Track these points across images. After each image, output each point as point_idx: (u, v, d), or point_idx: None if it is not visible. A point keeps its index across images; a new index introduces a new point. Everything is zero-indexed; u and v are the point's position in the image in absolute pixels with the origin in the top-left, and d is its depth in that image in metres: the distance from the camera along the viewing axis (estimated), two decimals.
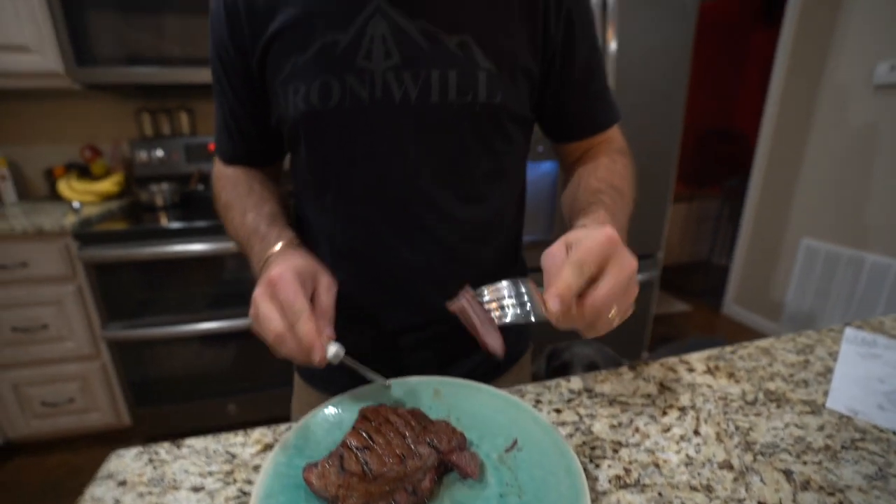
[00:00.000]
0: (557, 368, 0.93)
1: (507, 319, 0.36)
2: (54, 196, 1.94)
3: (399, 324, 0.55)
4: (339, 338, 0.39)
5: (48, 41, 1.56)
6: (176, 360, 1.67)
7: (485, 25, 0.47)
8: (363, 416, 0.38)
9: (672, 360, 0.55)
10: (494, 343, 0.35)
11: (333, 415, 0.41)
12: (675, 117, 1.72)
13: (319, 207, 0.54)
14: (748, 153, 2.70)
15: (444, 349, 0.56)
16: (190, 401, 1.75)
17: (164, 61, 1.62)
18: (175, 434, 1.77)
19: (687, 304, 3.11)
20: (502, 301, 0.36)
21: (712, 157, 4.38)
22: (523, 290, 0.37)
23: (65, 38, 1.52)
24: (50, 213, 1.63)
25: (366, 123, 0.47)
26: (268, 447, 0.42)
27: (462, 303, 0.36)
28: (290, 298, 0.37)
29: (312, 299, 0.39)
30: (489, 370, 0.59)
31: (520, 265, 0.66)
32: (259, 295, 0.38)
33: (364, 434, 0.36)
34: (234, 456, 0.41)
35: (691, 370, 0.53)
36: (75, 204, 1.72)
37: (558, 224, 1.65)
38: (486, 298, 0.37)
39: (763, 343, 0.60)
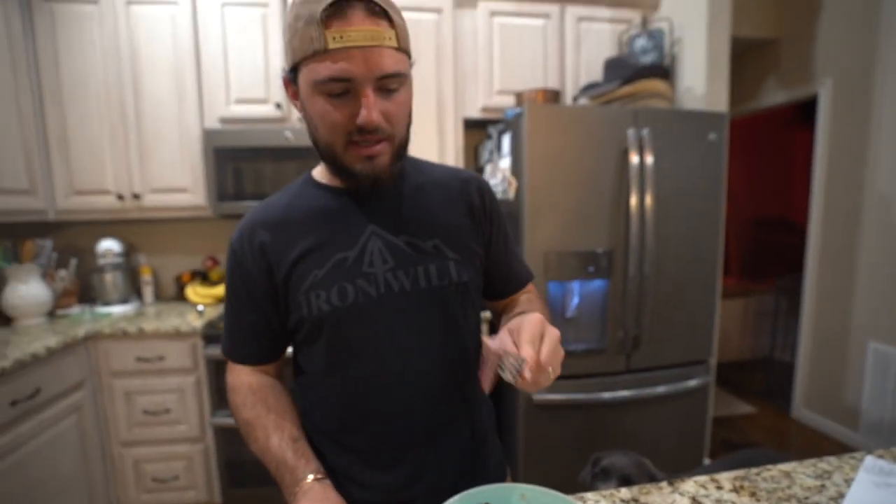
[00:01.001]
0: (597, 473, 1.07)
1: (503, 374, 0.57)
2: (180, 297, 2.35)
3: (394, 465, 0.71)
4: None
5: (200, 184, 2.05)
6: None
7: (448, 231, 0.72)
8: None
9: (703, 478, 0.70)
10: (486, 382, 0.58)
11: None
12: (714, 228, 1.88)
13: (333, 380, 0.70)
14: (804, 244, 2.77)
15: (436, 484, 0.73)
16: (271, 485, 1.93)
17: (266, 197, 2.04)
18: None
19: (751, 405, 3.01)
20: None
21: (767, 248, 4.40)
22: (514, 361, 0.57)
23: (212, 182, 2.00)
24: (182, 314, 2.00)
25: (377, 311, 0.67)
26: None
27: (490, 348, 0.58)
28: None
29: None
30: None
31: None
32: None
33: None
34: None
35: (720, 487, 0.68)
36: (199, 307, 2.09)
37: (610, 334, 1.80)
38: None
39: (786, 467, 0.74)
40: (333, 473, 0.71)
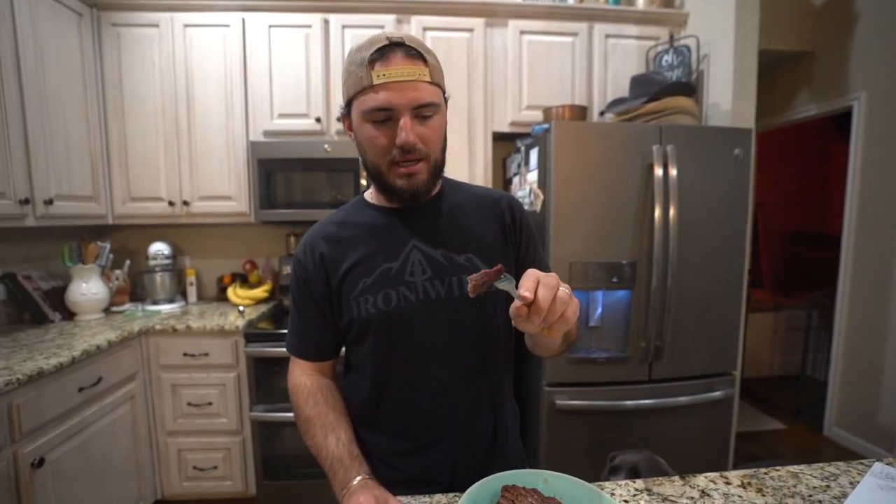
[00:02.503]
0: (612, 469, 1.13)
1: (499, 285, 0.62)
2: (221, 298, 2.51)
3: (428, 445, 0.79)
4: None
5: (244, 193, 2.20)
6: (301, 441, 1.99)
7: (481, 246, 0.80)
8: (505, 490, 0.65)
9: (713, 473, 0.75)
10: (475, 284, 0.61)
11: (488, 487, 0.68)
12: (740, 241, 1.89)
13: (377, 375, 0.79)
14: (838, 258, 2.72)
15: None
16: (304, 480, 2.03)
17: (305, 205, 2.18)
18: None
19: (780, 422, 2.96)
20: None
21: (800, 262, 4.31)
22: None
23: (255, 191, 2.14)
24: (223, 314, 2.14)
25: (416, 315, 0.77)
26: None
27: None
28: None
29: None
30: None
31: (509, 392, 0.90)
32: None
33: (509, 499, 0.62)
34: None
35: (728, 483, 0.74)
36: (241, 308, 2.23)
37: (633, 343, 1.84)
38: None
39: (794, 468, 0.79)
40: (369, 456, 0.80)
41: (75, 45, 1.99)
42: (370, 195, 0.86)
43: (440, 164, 0.78)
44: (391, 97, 0.68)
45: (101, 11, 2.11)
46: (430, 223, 0.81)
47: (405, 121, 0.69)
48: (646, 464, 0.98)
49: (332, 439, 0.75)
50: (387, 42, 0.69)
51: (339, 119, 2.15)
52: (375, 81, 0.68)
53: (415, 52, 0.70)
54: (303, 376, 0.84)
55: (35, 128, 1.75)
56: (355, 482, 0.69)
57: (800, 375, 3.22)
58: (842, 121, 2.90)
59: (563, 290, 0.58)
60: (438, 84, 0.74)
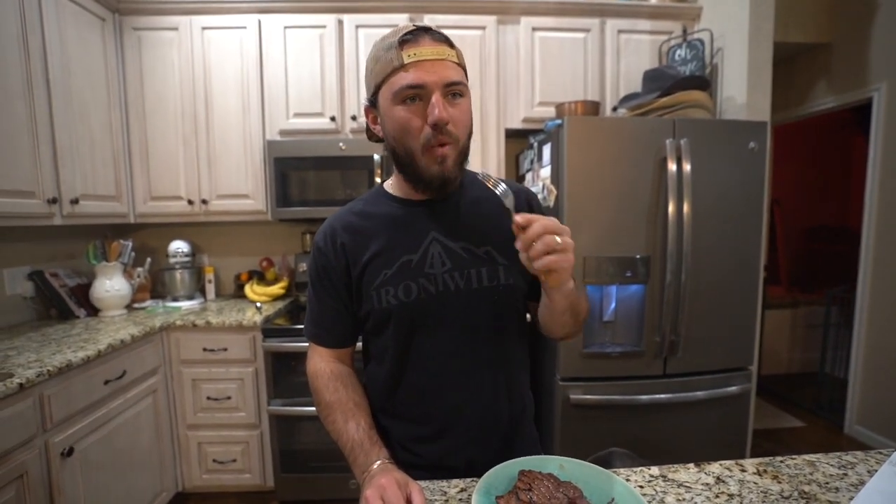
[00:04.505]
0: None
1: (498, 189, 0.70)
2: (238, 295, 2.56)
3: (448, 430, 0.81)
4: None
5: (261, 191, 2.25)
6: (318, 435, 2.03)
7: (499, 239, 0.81)
8: (522, 474, 0.66)
9: (728, 462, 0.76)
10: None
11: (504, 472, 0.70)
12: (755, 235, 1.87)
13: (395, 364, 0.81)
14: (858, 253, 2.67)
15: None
16: (320, 473, 2.07)
17: (320, 202, 2.21)
18: (306, 501, 2.09)
19: (799, 419, 2.92)
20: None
21: (819, 257, 4.23)
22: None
23: (271, 189, 2.18)
24: (241, 310, 2.19)
25: (435, 307, 0.78)
26: (462, 490, 0.71)
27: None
28: (394, 500, 0.59)
29: (408, 501, 0.62)
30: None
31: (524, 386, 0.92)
32: (371, 495, 0.61)
33: (526, 483, 0.64)
34: (444, 493, 0.71)
35: (744, 470, 0.74)
36: (258, 304, 2.27)
37: (647, 338, 1.84)
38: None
39: (811, 457, 0.79)
40: (389, 441, 0.82)
41: (99, 50, 2.05)
42: (390, 186, 0.87)
43: (466, 151, 0.79)
44: (422, 75, 0.70)
45: (122, 16, 2.17)
46: (449, 216, 0.82)
47: (437, 97, 0.70)
48: (616, 456, 0.99)
49: (353, 424, 0.77)
50: (414, 27, 0.72)
51: (353, 118, 2.20)
52: (406, 60, 0.70)
53: (440, 37, 0.73)
54: (322, 363, 0.86)
55: (62, 130, 1.81)
56: (375, 466, 0.71)
57: (819, 373, 3.16)
58: (862, 113, 2.84)
59: (558, 238, 0.62)
60: (463, 67, 0.76)
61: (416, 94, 0.71)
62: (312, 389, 0.85)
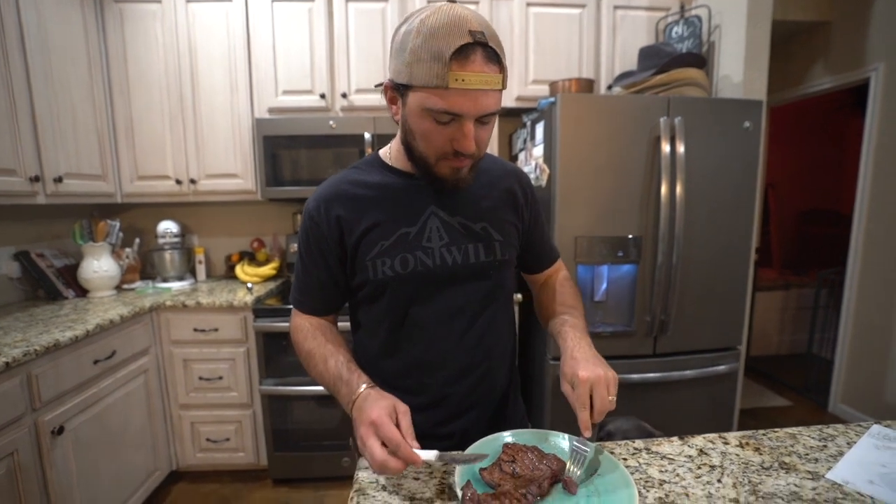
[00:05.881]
0: (603, 437, 1.15)
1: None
2: (229, 276, 2.54)
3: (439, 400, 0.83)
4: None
5: (250, 170, 2.21)
6: (310, 414, 2.05)
7: (494, 216, 0.83)
8: (506, 447, 0.66)
9: (712, 434, 0.76)
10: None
11: (492, 442, 0.70)
12: (748, 216, 1.87)
13: (389, 334, 0.82)
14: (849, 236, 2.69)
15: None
16: (312, 451, 2.08)
17: (310, 182, 2.18)
18: (299, 479, 2.11)
19: (786, 399, 2.97)
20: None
21: (812, 240, 4.25)
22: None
23: (261, 169, 2.15)
24: (232, 291, 2.17)
25: (432, 280, 0.79)
26: (446, 463, 0.71)
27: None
28: (389, 435, 0.59)
29: (397, 425, 0.61)
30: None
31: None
32: (365, 433, 0.60)
33: (509, 455, 0.64)
34: (429, 465, 0.71)
35: (726, 443, 0.75)
36: (249, 285, 2.26)
37: (638, 317, 1.85)
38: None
39: (792, 430, 0.79)
40: None
41: (78, 23, 1.99)
42: (386, 155, 0.85)
43: (481, 158, 0.78)
44: (463, 105, 0.65)
45: None
46: (448, 191, 0.81)
47: (469, 128, 0.68)
48: (637, 432, 1.00)
49: (332, 361, 0.76)
50: (470, 40, 0.63)
51: (343, 95, 2.15)
52: (451, 85, 0.63)
53: (493, 54, 0.66)
54: (303, 319, 0.86)
55: (42, 107, 1.76)
56: (359, 394, 0.69)
57: (807, 353, 3.21)
58: (860, 94, 2.82)
59: (612, 399, 0.68)
60: (505, 87, 0.71)
61: (449, 119, 0.68)
62: (294, 343, 0.84)
